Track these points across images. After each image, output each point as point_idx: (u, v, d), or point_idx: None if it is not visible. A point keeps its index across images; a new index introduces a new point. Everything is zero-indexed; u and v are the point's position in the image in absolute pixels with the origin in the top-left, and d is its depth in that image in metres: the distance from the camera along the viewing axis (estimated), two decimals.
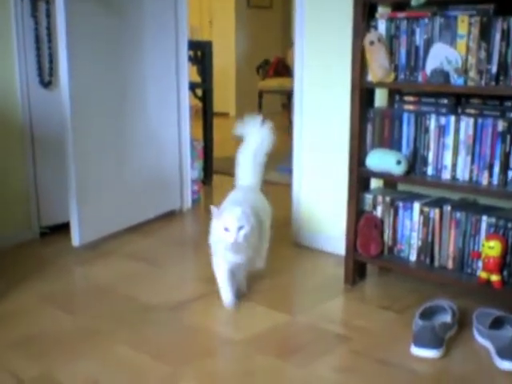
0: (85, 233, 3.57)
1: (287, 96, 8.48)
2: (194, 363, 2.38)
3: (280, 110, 9.14)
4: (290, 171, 3.76)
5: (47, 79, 3.64)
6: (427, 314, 2.56)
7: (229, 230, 2.62)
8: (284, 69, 8.67)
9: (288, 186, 3.83)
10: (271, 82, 8.55)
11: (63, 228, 3.71)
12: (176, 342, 2.55)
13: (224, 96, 8.97)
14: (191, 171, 4.43)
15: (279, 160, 5.44)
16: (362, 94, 2.87)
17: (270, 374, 2.31)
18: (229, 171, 5.37)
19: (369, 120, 2.90)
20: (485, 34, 2.52)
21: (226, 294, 2.81)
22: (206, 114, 5.14)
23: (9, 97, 3.51)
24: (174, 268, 3.34)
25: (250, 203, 2.83)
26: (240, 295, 2.88)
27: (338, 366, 2.39)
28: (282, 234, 3.62)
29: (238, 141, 3.24)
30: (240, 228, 2.62)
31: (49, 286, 3.07)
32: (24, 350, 2.47)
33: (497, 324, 2.49)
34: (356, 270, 3.07)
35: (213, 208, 2.71)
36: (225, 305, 2.80)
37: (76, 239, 3.55)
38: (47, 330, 2.63)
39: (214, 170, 5.20)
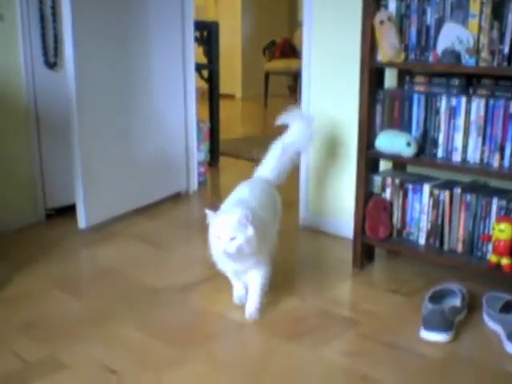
0: (91, 215, 3.55)
1: (293, 77, 8.43)
2: (202, 346, 2.36)
3: (286, 92, 9.09)
4: None
5: (52, 60, 3.59)
6: (437, 298, 2.53)
7: (220, 238, 2.45)
8: (290, 50, 8.59)
9: (296, 169, 3.79)
10: (277, 64, 8.48)
11: (69, 210, 3.68)
12: (183, 325, 2.54)
13: (230, 77, 8.91)
14: (197, 153, 4.39)
15: None
16: (372, 74, 2.83)
17: (277, 358, 2.30)
18: (235, 153, 5.38)
19: (378, 101, 2.86)
20: (497, 14, 2.47)
21: (236, 290, 2.72)
22: (212, 95, 5.09)
23: (13, 78, 3.47)
24: (180, 250, 3.32)
25: (256, 201, 2.67)
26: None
27: (346, 349, 2.37)
28: (289, 217, 3.58)
29: (277, 130, 3.06)
30: (232, 238, 2.42)
31: (55, 269, 3.05)
32: (29, 332, 2.46)
33: (507, 308, 2.46)
34: (364, 253, 3.04)
35: (208, 212, 2.50)
36: (235, 301, 2.69)
37: (82, 221, 3.53)
38: (52, 313, 2.62)
39: (220, 151, 5.16)
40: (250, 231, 2.45)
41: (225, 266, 2.62)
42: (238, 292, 2.70)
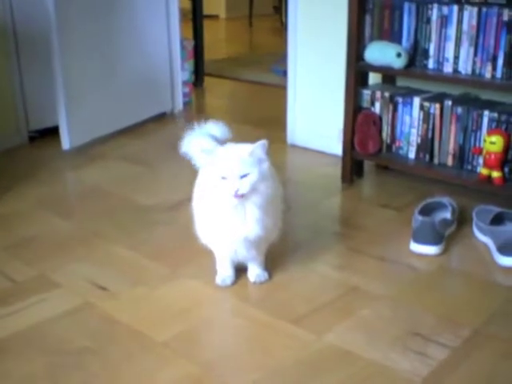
0: (74, 136, 3.49)
1: None
2: (191, 263, 2.35)
3: (271, 12, 8.89)
4: (284, 73, 3.66)
5: None
6: (427, 211, 2.51)
7: (227, 177, 1.88)
8: None
9: (282, 88, 3.73)
10: None
11: (53, 132, 3.61)
12: (173, 243, 2.51)
13: None
14: (182, 72, 4.30)
15: (272, 62, 5.34)
16: None
17: (268, 271, 2.29)
18: (220, 73, 5.28)
19: (367, 11, 2.78)
20: None
21: (224, 271, 2.19)
22: (195, 14, 4.95)
23: None
24: (167, 170, 3.28)
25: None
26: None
27: (336, 263, 2.36)
28: (276, 135, 3.55)
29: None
30: (244, 176, 1.88)
31: (41, 190, 3.01)
32: (19, 252, 2.43)
33: (497, 220, 2.45)
34: (353, 168, 3.01)
35: (204, 149, 1.95)
36: (217, 283, 2.18)
37: (66, 143, 3.47)
38: (43, 233, 2.59)
39: (205, 72, 5.05)
40: (266, 165, 1.95)
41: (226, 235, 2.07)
42: (225, 272, 2.19)
